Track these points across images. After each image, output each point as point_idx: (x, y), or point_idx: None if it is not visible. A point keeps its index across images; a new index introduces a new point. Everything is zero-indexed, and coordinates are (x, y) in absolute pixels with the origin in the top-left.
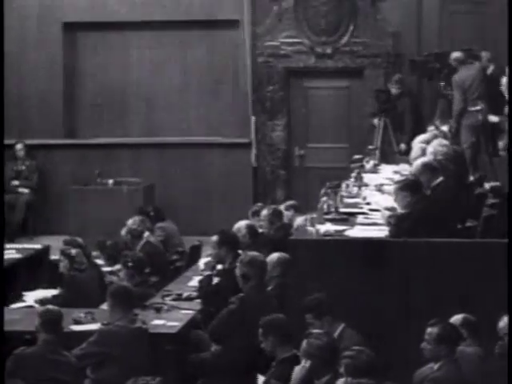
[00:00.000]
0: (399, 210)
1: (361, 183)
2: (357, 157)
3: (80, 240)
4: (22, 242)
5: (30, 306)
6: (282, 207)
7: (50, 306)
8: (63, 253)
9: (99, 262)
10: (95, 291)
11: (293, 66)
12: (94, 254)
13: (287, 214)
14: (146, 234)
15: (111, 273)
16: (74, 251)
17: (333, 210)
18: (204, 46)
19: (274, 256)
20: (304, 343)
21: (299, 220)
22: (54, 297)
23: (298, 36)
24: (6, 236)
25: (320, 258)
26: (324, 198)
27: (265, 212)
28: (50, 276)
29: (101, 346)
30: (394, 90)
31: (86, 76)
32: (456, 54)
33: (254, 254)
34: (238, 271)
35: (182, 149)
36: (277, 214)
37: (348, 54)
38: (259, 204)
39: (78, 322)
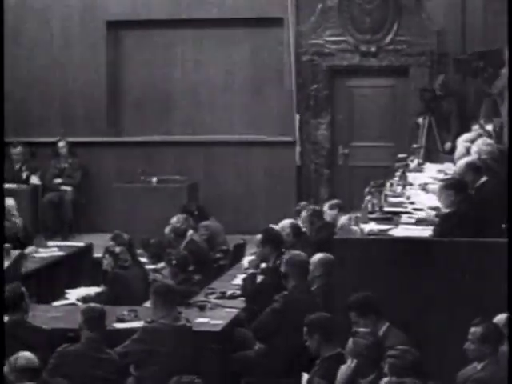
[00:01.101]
0: (443, 210)
1: (405, 182)
2: (401, 156)
3: (126, 236)
4: (67, 240)
5: (73, 304)
6: (325, 206)
7: (92, 304)
8: (107, 250)
9: (143, 259)
10: (139, 289)
11: (337, 65)
12: (139, 251)
13: (331, 213)
14: (190, 232)
15: (155, 271)
16: (118, 248)
17: (377, 209)
18: (248, 44)
19: (317, 256)
20: (350, 342)
21: (343, 219)
22: (97, 294)
23: (343, 34)
24: (52, 233)
25: (364, 257)
26: (368, 197)
27: (304, 214)
28: (93, 274)
29: (144, 343)
30: (438, 91)
31: (130, 74)
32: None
33: (297, 253)
34: (283, 269)
35: (226, 147)
36: (316, 215)
37: (392, 52)
38: (303, 203)
39: (121, 320)
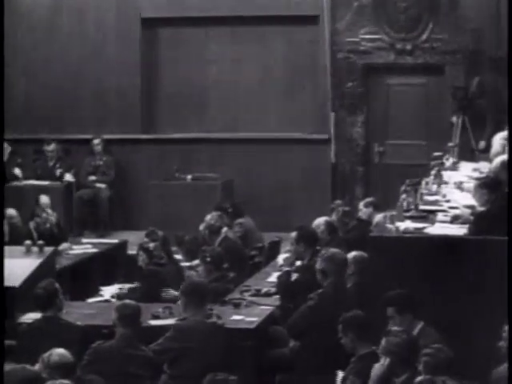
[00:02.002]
0: (478, 208)
1: (440, 181)
2: (437, 154)
3: (160, 233)
4: (102, 237)
5: (107, 301)
6: (361, 204)
7: (127, 301)
8: (141, 247)
9: (178, 257)
10: (174, 286)
11: (372, 63)
12: (173, 249)
13: (366, 211)
14: (225, 229)
15: (190, 268)
16: (152, 245)
17: (412, 207)
18: (283, 42)
19: (351, 254)
20: (383, 341)
21: (378, 217)
22: (132, 291)
23: (378, 32)
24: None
25: (399, 255)
26: (403, 196)
27: (334, 216)
28: (128, 271)
29: (177, 341)
30: (474, 91)
31: (165, 71)
32: None
33: (335, 250)
34: (318, 267)
35: (260, 144)
36: (347, 215)
37: (427, 50)
38: (338, 201)
39: (156, 317)
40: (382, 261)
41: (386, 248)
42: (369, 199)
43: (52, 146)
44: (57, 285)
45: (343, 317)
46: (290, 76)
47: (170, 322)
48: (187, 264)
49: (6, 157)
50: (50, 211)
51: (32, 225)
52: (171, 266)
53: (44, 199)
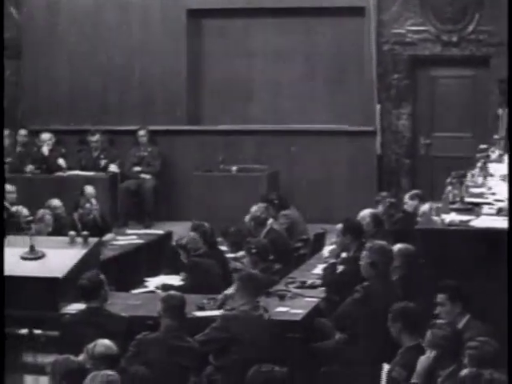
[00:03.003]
0: None
1: (486, 173)
2: (483, 146)
3: (207, 225)
4: (147, 228)
5: (152, 292)
6: (406, 196)
7: (172, 292)
8: (176, 244)
9: (223, 248)
10: (218, 277)
11: (418, 54)
12: (219, 240)
13: (412, 203)
14: (270, 221)
15: (235, 259)
16: (185, 240)
17: (458, 199)
18: (329, 33)
19: (397, 246)
20: (428, 334)
21: (424, 208)
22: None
23: (424, 24)
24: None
25: (444, 247)
26: (449, 188)
27: (380, 208)
28: (173, 262)
29: (224, 331)
30: None
31: (210, 62)
32: None
33: (382, 242)
34: (364, 259)
35: (306, 136)
36: (394, 207)
37: (474, 42)
38: (383, 193)
39: (201, 308)
40: (427, 253)
41: (432, 240)
42: (415, 191)
43: (97, 137)
44: (101, 276)
45: (394, 307)
46: (335, 68)
47: (215, 313)
48: (232, 255)
49: (49, 147)
50: (94, 202)
51: (76, 215)
52: (215, 258)
53: (89, 190)
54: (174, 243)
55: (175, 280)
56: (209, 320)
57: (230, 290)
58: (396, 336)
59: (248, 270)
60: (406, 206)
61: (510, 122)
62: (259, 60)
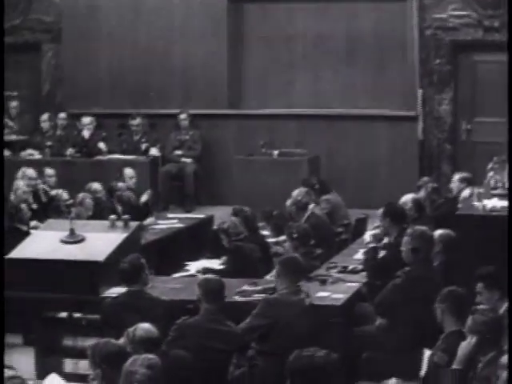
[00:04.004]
0: None
1: None
2: None
3: (248, 209)
4: (188, 212)
5: (193, 276)
6: (455, 178)
7: (210, 276)
8: (218, 228)
9: (265, 232)
10: (259, 261)
11: (460, 39)
12: (260, 224)
13: (459, 185)
14: (311, 205)
15: (276, 243)
16: (226, 224)
17: (500, 185)
18: (371, 18)
19: (437, 232)
20: (470, 319)
21: (465, 193)
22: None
23: (466, 9)
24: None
25: (485, 233)
26: (491, 173)
27: (421, 193)
28: (214, 246)
29: (265, 317)
30: None
31: (251, 46)
32: None
33: (424, 228)
34: (406, 245)
35: (347, 121)
36: (436, 192)
37: None
38: (425, 178)
39: (242, 292)
40: (468, 239)
41: (473, 226)
42: (464, 174)
43: (138, 121)
44: (142, 259)
45: (443, 291)
46: (377, 52)
47: (256, 297)
48: (273, 240)
49: (90, 131)
50: (133, 180)
51: (116, 199)
52: (257, 242)
53: (128, 172)
54: (215, 227)
55: (216, 264)
56: (250, 304)
57: (271, 275)
58: (440, 319)
59: (288, 254)
60: (452, 185)
61: (509, 122)
62: (300, 44)
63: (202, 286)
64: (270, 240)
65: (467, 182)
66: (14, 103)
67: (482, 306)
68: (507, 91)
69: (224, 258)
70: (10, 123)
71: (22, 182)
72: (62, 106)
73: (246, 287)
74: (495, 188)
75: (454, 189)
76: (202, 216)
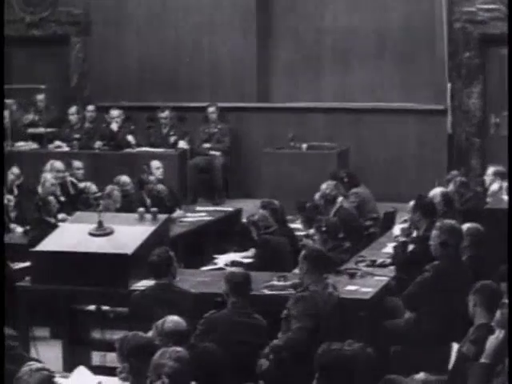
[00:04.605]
0: None
1: None
2: None
3: (276, 202)
4: (216, 205)
5: (221, 269)
6: (489, 171)
7: (236, 269)
8: (247, 221)
9: (296, 225)
10: (288, 255)
11: (489, 33)
12: (290, 217)
13: (493, 178)
14: (340, 199)
15: (306, 236)
16: (256, 216)
17: None
18: (400, 11)
19: (465, 226)
20: (498, 313)
21: (494, 187)
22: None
23: (495, 2)
24: (201, 198)
25: None
26: None
27: (450, 187)
28: (242, 239)
29: (311, 315)
30: None
31: (280, 39)
32: None
33: (453, 222)
34: (434, 239)
35: (376, 114)
36: (464, 186)
37: None
38: (454, 172)
39: (270, 286)
40: (496, 233)
41: (501, 220)
42: (498, 168)
43: (166, 113)
44: (171, 252)
45: (477, 283)
46: (406, 45)
47: (285, 291)
48: (303, 233)
49: (119, 123)
50: (160, 171)
51: (145, 192)
52: (285, 234)
53: (155, 163)
54: (244, 220)
55: (245, 257)
56: (278, 298)
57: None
58: (471, 311)
59: (315, 248)
60: (485, 178)
61: (509, 123)
62: (329, 37)
63: (228, 280)
64: (300, 233)
65: (500, 175)
66: (40, 96)
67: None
68: (507, 87)
69: (252, 251)
70: (36, 116)
71: (50, 174)
72: (90, 98)
73: (274, 281)
74: None
75: (488, 182)
76: (230, 209)
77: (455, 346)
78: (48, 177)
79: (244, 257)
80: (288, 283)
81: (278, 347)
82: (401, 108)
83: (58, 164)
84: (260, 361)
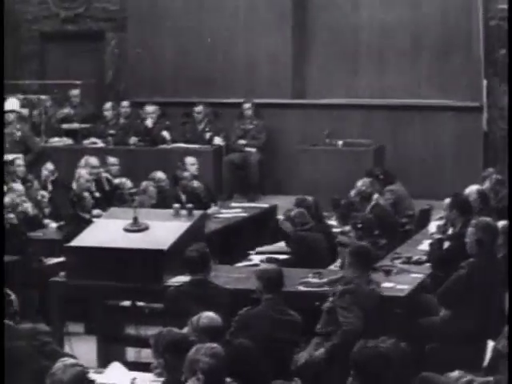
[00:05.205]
0: None
1: None
2: None
3: (310, 199)
4: (251, 201)
5: (256, 265)
6: None
7: (268, 266)
8: (284, 215)
9: (330, 222)
10: (324, 251)
11: None
12: (325, 214)
13: None
14: (376, 196)
15: (342, 233)
16: (293, 212)
17: None
18: (436, 8)
19: (500, 223)
20: None
21: None
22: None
23: None
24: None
25: None
26: None
27: (486, 184)
28: (277, 236)
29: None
30: None
31: (316, 35)
32: None
33: (489, 219)
34: (470, 236)
35: (412, 111)
36: (500, 183)
37: None
38: (490, 169)
39: (305, 283)
40: None
41: None
42: None
43: (199, 108)
44: (207, 248)
45: None
46: (441, 42)
47: (320, 287)
48: (339, 230)
49: (154, 119)
50: (195, 167)
51: (180, 188)
52: (321, 230)
53: (190, 160)
54: (279, 216)
55: (276, 250)
56: (314, 294)
57: (335, 265)
58: (506, 309)
59: (359, 243)
60: None
61: (509, 123)
62: (365, 33)
63: (261, 277)
64: (336, 230)
65: None
66: (75, 91)
67: None
68: (507, 86)
69: (283, 244)
70: (71, 111)
71: (84, 170)
72: (124, 94)
73: (309, 277)
74: None
75: None
76: (265, 205)
77: (491, 344)
78: (82, 172)
79: (275, 249)
80: (323, 280)
81: (334, 346)
82: (437, 105)
83: (93, 160)
84: (296, 356)
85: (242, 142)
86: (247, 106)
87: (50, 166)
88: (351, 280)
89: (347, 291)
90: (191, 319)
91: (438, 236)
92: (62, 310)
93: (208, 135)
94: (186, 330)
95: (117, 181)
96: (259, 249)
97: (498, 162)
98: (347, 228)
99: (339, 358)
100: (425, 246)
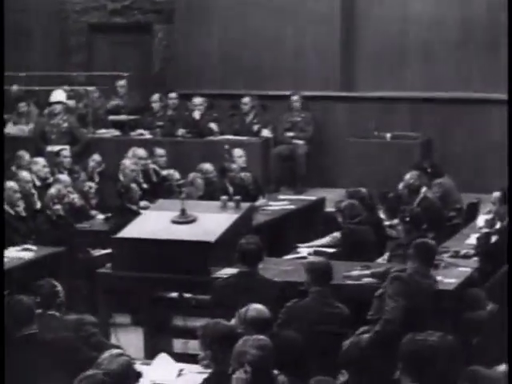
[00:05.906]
0: None
1: None
2: None
3: (364, 190)
4: (299, 194)
5: (305, 258)
6: None
7: (316, 258)
8: (336, 206)
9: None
10: (372, 244)
11: None
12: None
13: None
14: (424, 189)
15: (390, 226)
16: (343, 204)
17: None
18: (485, 1)
19: None
20: None
21: None
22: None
23: None
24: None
25: None
26: None
27: None
28: (325, 228)
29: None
30: None
31: (364, 28)
32: None
33: None
34: None
35: (461, 104)
36: None
37: None
38: None
39: (351, 276)
40: None
41: None
42: None
43: (246, 99)
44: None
45: None
46: (489, 35)
47: (367, 280)
48: (388, 223)
49: (201, 111)
50: (242, 159)
51: (227, 180)
52: (371, 223)
53: (237, 151)
54: (328, 209)
55: (325, 244)
56: (362, 288)
57: (383, 258)
58: None
59: (426, 240)
60: None
61: (509, 124)
62: (414, 26)
63: (309, 269)
64: (385, 223)
65: None
66: (121, 82)
67: None
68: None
69: (334, 236)
70: (121, 102)
71: (129, 161)
72: (172, 86)
73: (357, 270)
74: None
75: None
76: (313, 198)
77: None
78: (127, 163)
79: (325, 243)
80: (370, 272)
81: (377, 333)
82: (486, 98)
83: (140, 151)
84: (344, 343)
85: (290, 134)
86: (295, 98)
87: (96, 157)
88: (405, 269)
89: (398, 277)
90: (239, 311)
91: (486, 230)
92: (108, 301)
93: (256, 127)
94: (233, 321)
95: (164, 172)
96: (307, 244)
97: None
98: (395, 221)
99: (381, 346)
100: (473, 239)
